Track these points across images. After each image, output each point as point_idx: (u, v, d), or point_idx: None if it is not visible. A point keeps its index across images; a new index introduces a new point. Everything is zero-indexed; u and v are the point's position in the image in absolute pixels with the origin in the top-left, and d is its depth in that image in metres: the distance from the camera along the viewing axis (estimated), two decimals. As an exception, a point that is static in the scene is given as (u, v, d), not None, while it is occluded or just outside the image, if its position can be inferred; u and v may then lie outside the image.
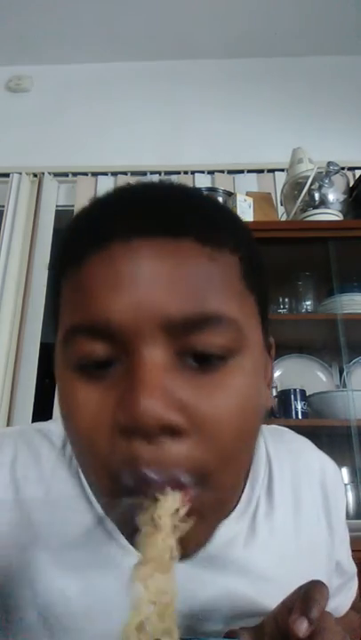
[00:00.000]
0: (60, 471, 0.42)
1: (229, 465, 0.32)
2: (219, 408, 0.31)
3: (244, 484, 0.45)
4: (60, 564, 0.40)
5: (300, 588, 0.35)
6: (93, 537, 0.40)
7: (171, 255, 0.32)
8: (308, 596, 0.33)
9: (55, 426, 0.46)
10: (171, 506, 0.29)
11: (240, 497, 0.44)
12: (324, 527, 0.49)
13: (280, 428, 0.56)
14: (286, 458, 0.49)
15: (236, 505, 0.43)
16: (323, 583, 0.35)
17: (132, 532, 0.31)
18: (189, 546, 0.31)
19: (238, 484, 0.35)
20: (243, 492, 0.45)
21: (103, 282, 0.32)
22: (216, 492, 0.32)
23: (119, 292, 0.31)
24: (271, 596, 0.39)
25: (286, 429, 0.56)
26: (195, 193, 0.40)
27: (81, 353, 0.32)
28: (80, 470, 0.39)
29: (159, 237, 0.32)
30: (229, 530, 0.42)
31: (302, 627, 0.31)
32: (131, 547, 0.37)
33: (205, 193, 0.46)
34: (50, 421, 0.48)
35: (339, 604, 0.54)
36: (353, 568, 0.56)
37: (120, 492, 0.31)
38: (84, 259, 0.33)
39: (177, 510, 0.29)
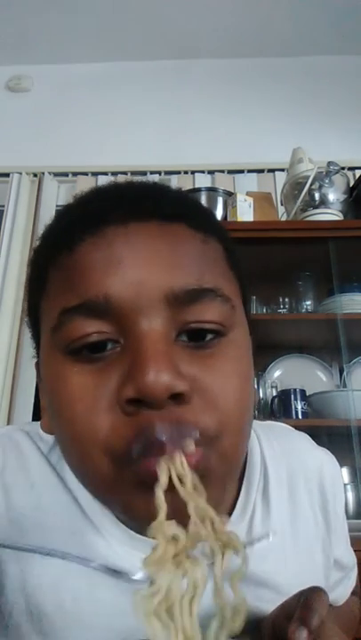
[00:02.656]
0: (49, 477, 0.41)
1: (232, 430, 0.33)
2: (219, 378, 0.32)
3: (239, 489, 0.45)
4: (53, 569, 0.39)
5: (300, 594, 0.35)
6: (86, 543, 0.39)
7: (167, 236, 0.34)
8: (308, 604, 0.33)
9: None
10: (186, 467, 0.30)
11: (235, 503, 0.44)
12: (322, 527, 0.49)
13: (275, 423, 0.56)
14: (282, 458, 0.49)
15: (232, 511, 0.43)
16: (322, 589, 0.34)
17: (143, 513, 0.30)
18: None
19: (242, 452, 0.36)
20: (238, 497, 0.44)
21: (100, 261, 0.32)
22: (221, 455, 0.32)
23: (117, 270, 0.32)
24: (271, 601, 0.39)
25: (282, 425, 0.56)
26: (181, 191, 0.43)
27: (75, 335, 0.32)
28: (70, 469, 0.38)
29: (154, 221, 0.34)
30: None
31: (302, 637, 0.31)
32: (125, 552, 0.38)
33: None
34: (38, 422, 0.46)
35: (338, 594, 0.55)
36: (353, 560, 0.56)
37: (124, 474, 0.31)
38: (78, 243, 0.34)
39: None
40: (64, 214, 0.39)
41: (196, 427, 0.31)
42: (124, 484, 0.31)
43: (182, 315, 0.32)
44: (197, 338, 0.33)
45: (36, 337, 0.39)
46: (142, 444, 0.30)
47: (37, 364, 0.40)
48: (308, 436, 0.55)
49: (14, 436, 0.44)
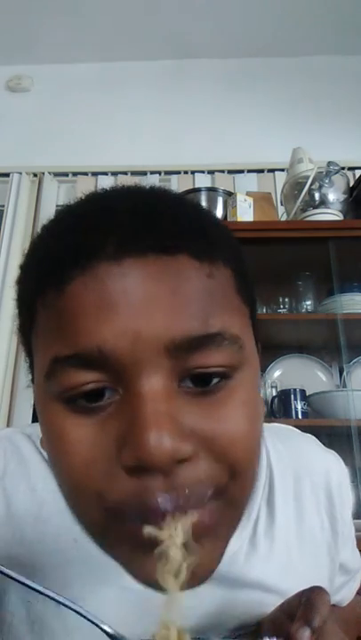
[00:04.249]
0: (50, 483, 0.39)
1: (243, 477, 0.32)
2: (227, 427, 0.30)
3: None
4: (53, 579, 0.38)
5: (301, 593, 0.35)
6: (86, 552, 0.38)
7: (167, 274, 0.30)
8: (310, 603, 0.33)
9: None
10: (185, 531, 0.28)
11: None
12: (328, 532, 0.48)
13: (281, 426, 0.55)
14: (288, 461, 0.48)
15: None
16: (323, 589, 0.34)
17: (142, 576, 0.30)
18: (202, 570, 0.30)
19: (251, 492, 0.34)
20: None
21: (92, 306, 0.29)
22: (232, 505, 0.31)
23: (112, 317, 0.28)
24: (274, 606, 0.39)
25: (288, 427, 0.55)
26: (181, 201, 0.37)
27: (69, 385, 0.29)
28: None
29: (151, 254, 0.30)
30: (231, 543, 0.41)
31: (305, 636, 0.31)
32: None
33: (180, 195, 0.44)
34: (38, 424, 0.47)
35: (343, 596, 0.55)
36: (358, 563, 0.55)
37: (120, 530, 0.30)
38: (67, 280, 0.30)
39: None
40: (53, 235, 0.35)
41: (205, 482, 0.29)
42: (121, 541, 0.30)
43: (185, 362, 0.29)
44: (202, 382, 0.30)
45: (31, 367, 0.36)
46: (141, 510, 0.28)
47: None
48: (315, 439, 0.54)
49: (15, 439, 0.43)
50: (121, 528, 0.30)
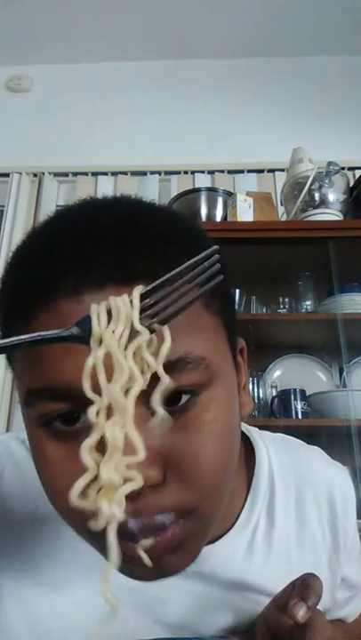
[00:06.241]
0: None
1: (212, 496, 0.32)
2: (196, 448, 0.30)
3: (246, 499, 0.45)
4: (49, 580, 0.40)
5: (293, 581, 0.36)
6: (80, 552, 0.39)
7: None
8: (305, 584, 0.34)
9: None
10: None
11: (239, 513, 0.44)
12: (329, 543, 0.48)
13: (287, 437, 0.54)
14: (291, 472, 0.48)
15: (235, 522, 0.44)
16: (316, 576, 0.35)
17: (127, 571, 0.31)
18: (169, 570, 0.32)
19: (223, 506, 0.34)
20: (243, 507, 0.44)
21: (56, 344, 0.29)
22: (200, 520, 0.32)
23: (75, 353, 0.28)
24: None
25: (296, 440, 0.54)
26: (145, 216, 0.35)
27: (43, 412, 0.31)
28: None
29: (110, 285, 0.30)
30: (228, 547, 0.42)
31: (301, 611, 0.32)
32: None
33: (152, 209, 0.38)
34: None
35: (348, 612, 0.53)
36: None
37: (98, 540, 0.30)
38: (32, 317, 0.31)
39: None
40: (18, 267, 0.34)
41: (172, 506, 0.30)
42: (101, 548, 0.31)
43: (148, 390, 0.28)
44: (170, 402, 0.30)
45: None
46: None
47: None
48: (321, 451, 0.54)
49: (10, 445, 0.44)
50: (96, 538, 0.30)
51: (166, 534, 0.30)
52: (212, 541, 0.42)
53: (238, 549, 0.43)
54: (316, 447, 0.54)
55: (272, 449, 0.48)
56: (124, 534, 0.28)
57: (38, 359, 0.30)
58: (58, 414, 0.31)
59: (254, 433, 0.49)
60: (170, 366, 0.29)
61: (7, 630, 0.40)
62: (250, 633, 0.38)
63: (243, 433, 0.47)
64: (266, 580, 0.43)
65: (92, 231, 0.32)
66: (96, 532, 0.26)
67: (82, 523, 0.30)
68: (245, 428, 0.49)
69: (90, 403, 0.27)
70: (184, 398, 0.31)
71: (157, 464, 0.29)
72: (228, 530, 0.43)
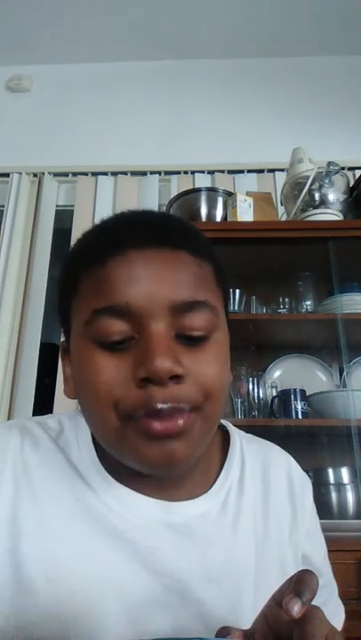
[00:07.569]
0: (57, 455, 0.51)
1: (213, 400, 0.44)
2: (204, 366, 0.44)
3: (220, 471, 0.55)
4: (54, 530, 0.46)
5: (291, 577, 0.36)
6: (86, 508, 0.47)
7: (173, 261, 0.45)
8: (301, 579, 0.35)
9: (52, 420, 0.54)
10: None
11: (215, 479, 0.54)
12: (289, 513, 0.57)
13: (254, 436, 0.65)
14: (258, 455, 0.59)
15: (212, 485, 0.53)
16: (312, 572, 0.36)
17: (147, 458, 0.42)
18: (176, 455, 0.42)
19: (219, 417, 0.47)
20: (219, 476, 0.54)
21: (123, 277, 0.43)
22: (205, 417, 0.44)
23: (136, 284, 0.43)
24: (238, 566, 0.50)
25: (259, 439, 0.65)
26: (180, 219, 0.55)
27: (103, 330, 0.43)
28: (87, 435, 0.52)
29: (164, 248, 0.45)
30: (205, 504, 0.51)
31: (296, 606, 0.33)
32: (120, 514, 0.47)
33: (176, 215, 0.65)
34: (47, 416, 0.56)
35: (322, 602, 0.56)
36: (324, 564, 0.60)
37: (127, 428, 0.42)
38: (107, 259, 0.44)
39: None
40: (95, 235, 0.50)
41: (187, 398, 0.42)
42: (128, 435, 0.42)
43: (180, 320, 0.43)
44: (189, 339, 0.44)
45: (65, 325, 0.50)
46: (145, 410, 0.41)
47: (63, 345, 0.52)
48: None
49: (27, 424, 0.54)
50: (127, 426, 0.42)
51: (182, 416, 0.42)
52: (193, 498, 0.51)
53: (213, 507, 0.52)
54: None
55: (243, 438, 0.61)
56: (153, 413, 0.41)
57: (105, 284, 0.43)
58: (111, 338, 0.43)
59: (229, 425, 0.62)
60: (196, 304, 0.44)
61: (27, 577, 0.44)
62: (250, 629, 0.38)
63: (220, 424, 0.59)
64: (235, 539, 0.51)
65: (145, 218, 0.50)
66: (125, 425, 0.42)
67: (113, 411, 0.42)
68: (222, 421, 0.61)
69: (143, 323, 0.42)
70: (198, 339, 0.44)
71: (181, 366, 0.42)
72: (207, 491, 0.52)
